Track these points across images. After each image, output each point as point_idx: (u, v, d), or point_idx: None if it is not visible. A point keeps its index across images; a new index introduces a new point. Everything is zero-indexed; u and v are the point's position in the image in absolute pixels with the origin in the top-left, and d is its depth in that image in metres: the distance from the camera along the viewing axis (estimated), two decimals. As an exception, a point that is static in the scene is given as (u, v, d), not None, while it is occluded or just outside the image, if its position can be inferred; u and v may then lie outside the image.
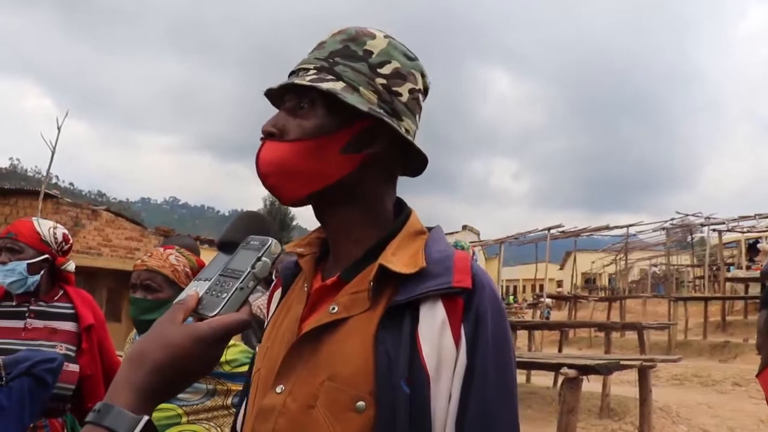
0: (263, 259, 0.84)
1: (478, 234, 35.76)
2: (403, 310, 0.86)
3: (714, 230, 20.41)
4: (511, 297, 38.19)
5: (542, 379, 10.41)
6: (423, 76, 0.99)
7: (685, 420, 7.39)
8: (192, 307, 0.81)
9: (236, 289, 0.81)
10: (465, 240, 18.29)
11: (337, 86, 0.90)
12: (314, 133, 0.91)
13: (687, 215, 21.76)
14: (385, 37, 0.96)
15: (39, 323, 2.32)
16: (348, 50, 0.94)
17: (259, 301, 3.85)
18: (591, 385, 6.90)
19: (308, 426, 0.84)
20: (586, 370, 4.30)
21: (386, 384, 0.81)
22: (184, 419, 1.80)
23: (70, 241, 2.51)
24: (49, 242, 2.38)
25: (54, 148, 10.65)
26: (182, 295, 0.86)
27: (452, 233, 34.09)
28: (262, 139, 0.94)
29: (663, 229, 22.44)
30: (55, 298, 2.42)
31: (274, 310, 1.06)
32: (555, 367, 4.67)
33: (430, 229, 1.01)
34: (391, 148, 0.94)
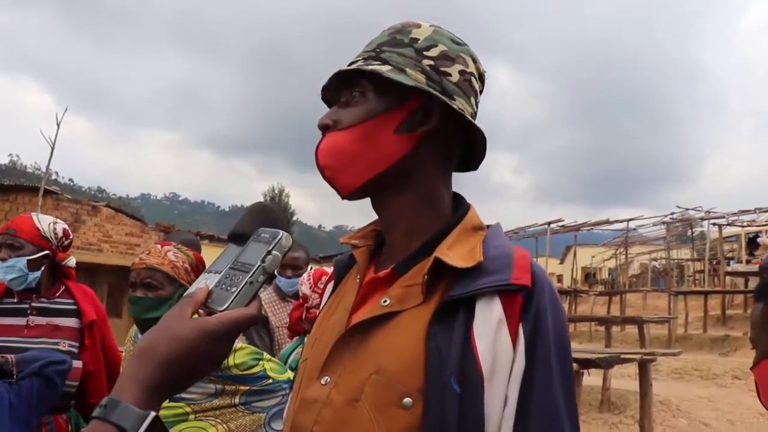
0: (273, 252, 0.82)
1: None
2: (457, 306, 0.83)
3: (714, 224, 20.42)
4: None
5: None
6: (474, 61, 0.98)
7: (685, 413, 7.41)
8: (201, 300, 0.80)
9: (246, 283, 0.80)
10: None
11: (383, 69, 0.90)
12: (366, 116, 0.92)
13: (687, 209, 21.77)
14: (431, 25, 0.97)
15: (41, 320, 2.32)
16: (394, 40, 0.95)
17: (263, 296, 3.84)
18: (591, 378, 6.92)
19: (351, 420, 0.82)
20: (586, 364, 4.31)
21: (436, 381, 0.78)
22: (192, 416, 1.81)
23: (71, 237, 2.51)
24: (49, 238, 2.37)
25: (53, 145, 10.63)
26: (192, 288, 0.85)
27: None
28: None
29: (663, 223, 22.44)
30: (57, 294, 2.42)
31: (326, 302, 1.06)
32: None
33: (489, 226, 0.99)
34: (447, 126, 0.93)
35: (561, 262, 41.78)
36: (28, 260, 2.28)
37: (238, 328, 0.77)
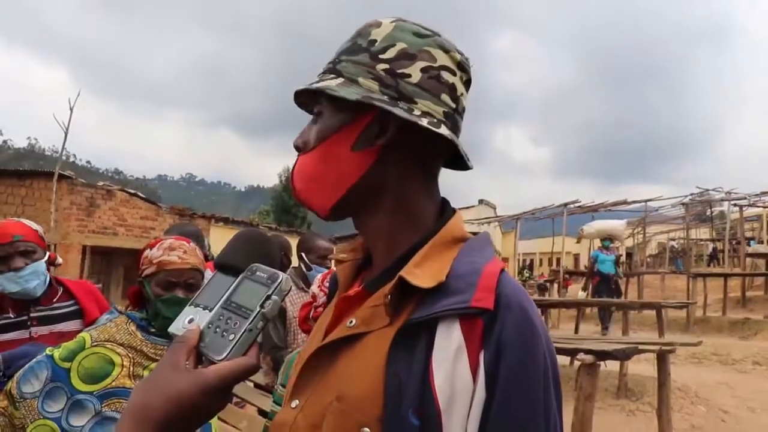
0: (273, 297, 0.77)
1: (494, 208, 35.56)
2: (420, 330, 0.76)
3: (735, 205, 20.10)
4: (526, 272, 38.03)
5: (560, 358, 10.35)
6: (446, 51, 0.88)
7: (704, 400, 7.29)
8: (193, 345, 0.75)
9: (245, 330, 0.74)
10: (615, 230, 17.82)
11: (332, 83, 0.84)
12: (323, 136, 0.87)
13: (707, 190, 21.42)
14: (393, 21, 0.89)
15: (44, 329, 2.25)
16: (354, 45, 0.88)
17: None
18: (608, 363, 6.82)
19: None
20: (603, 355, 4.21)
21: (394, 412, 0.72)
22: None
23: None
24: (44, 238, 2.32)
25: (67, 129, 10.68)
26: (178, 325, 0.80)
27: (469, 207, 33.94)
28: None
29: (682, 204, 22.14)
30: (55, 299, 2.34)
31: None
32: (571, 353, 4.58)
33: (476, 234, 0.91)
34: (409, 135, 0.84)
35: (578, 242, 41.54)
36: (45, 263, 2.24)
37: (237, 380, 0.72)
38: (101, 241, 14.27)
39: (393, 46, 0.85)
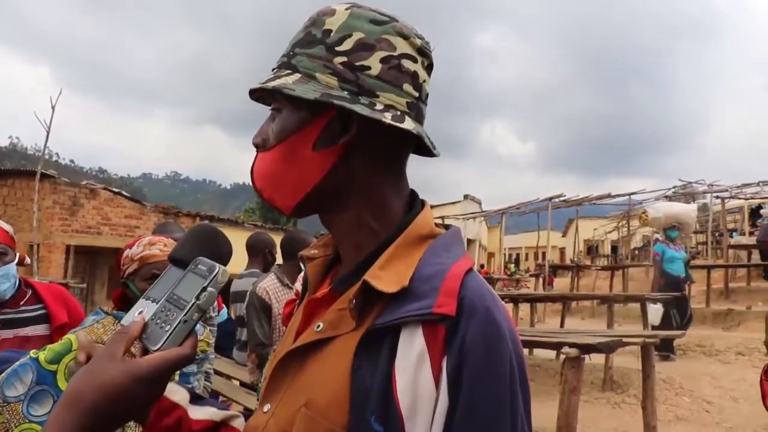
0: (209, 289, 0.79)
1: (479, 203, 35.62)
2: (385, 335, 0.75)
3: (717, 197, 20.28)
4: (513, 266, 38.19)
5: (545, 351, 10.41)
6: (406, 37, 0.85)
7: (688, 391, 7.37)
8: (135, 336, 0.77)
9: (180, 321, 0.77)
10: (685, 215, 14.80)
11: (288, 80, 0.81)
12: (282, 135, 0.85)
13: (690, 182, 21.61)
14: (348, 8, 0.85)
15: (8, 333, 2.20)
16: (308, 36, 0.85)
17: (266, 285, 3.78)
18: (593, 356, 6.86)
19: None
20: (587, 349, 4.24)
21: (359, 419, 0.72)
22: None
23: None
24: (14, 238, 2.28)
25: (49, 128, 10.53)
26: (128, 317, 0.82)
27: (454, 203, 33.98)
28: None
29: (666, 197, 22.30)
30: (22, 302, 2.28)
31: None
32: (556, 346, 4.61)
33: (448, 227, 0.89)
34: (372, 130, 0.82)
35: (563, 235, 41.81)
36: (16, 265, 2.20)
37: (170, 369, 0.74)
38: (85, 241, 14.13)
39: (349, 36, 0.82)
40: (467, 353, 0.72)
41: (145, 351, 0.77)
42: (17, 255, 2.27)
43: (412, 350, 0.73)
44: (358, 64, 0.82)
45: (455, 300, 0.74)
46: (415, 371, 0.72)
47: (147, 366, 0.72)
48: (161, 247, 1.92)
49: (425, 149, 0.91)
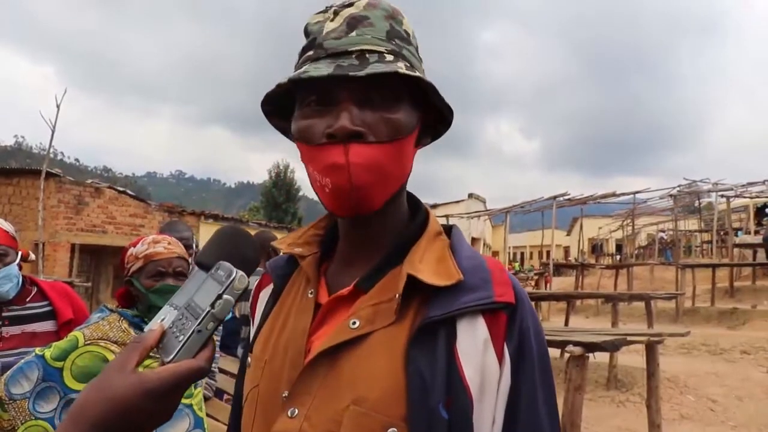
0: (225, 296, 0.74)
1: (484, 202, 35.57)
2: (436, 327, 0.76)
3: (722, 196, 20.23)
4: (517, 264, 38.13)
5: (550, 350, 10.38)
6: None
7: (692, 390, 7.36)
8: (151, 346, 0.73)
9: (193, 332, 0.72)
10: None
11: (416, 73, 0.79)
12: (408, 129, 0.81)
13: (695, 181, 21.54)
14: (398, 10, 0.88)
15: (15, 329, 2.21)
16: (398, 32, 0.83)
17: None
18: (598, 355, 6.86)
19: None
20: (592, 347, 4.24)
21: (421, 408, 0.72)
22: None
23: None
24: (15, 237, 2.28)
25: (54, 127, 10.55)
26: (150, 325, 0.77)
27: (458, 201, 33.93)
28: (331, 140, 0.77)
29: (670, 196, 22.25)
30: (28, 298, 2.30)
31: (264, 314, 0.95)
32: (560, 345, 4.60)
33: (452, 227, 0.92)
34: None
35: (568, 234, 41.71)
36: (18, 265, 2.20)
37: (182, 383, 0.70)
38: (90, 240, 14.17)
39: (413, 33, 0.86)
40: (525, 338, 0.78)
41: (163, 362, 0.72)
42: (20, 253, 2.27)
43: (476, 337, 0.76)
44: (423, 67, 0.86)
45: (512, 289, 0.80)
46: (482, 357, 0.76)
47: (157, 379, 0.69)
48: (165, 245, 1.94)
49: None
